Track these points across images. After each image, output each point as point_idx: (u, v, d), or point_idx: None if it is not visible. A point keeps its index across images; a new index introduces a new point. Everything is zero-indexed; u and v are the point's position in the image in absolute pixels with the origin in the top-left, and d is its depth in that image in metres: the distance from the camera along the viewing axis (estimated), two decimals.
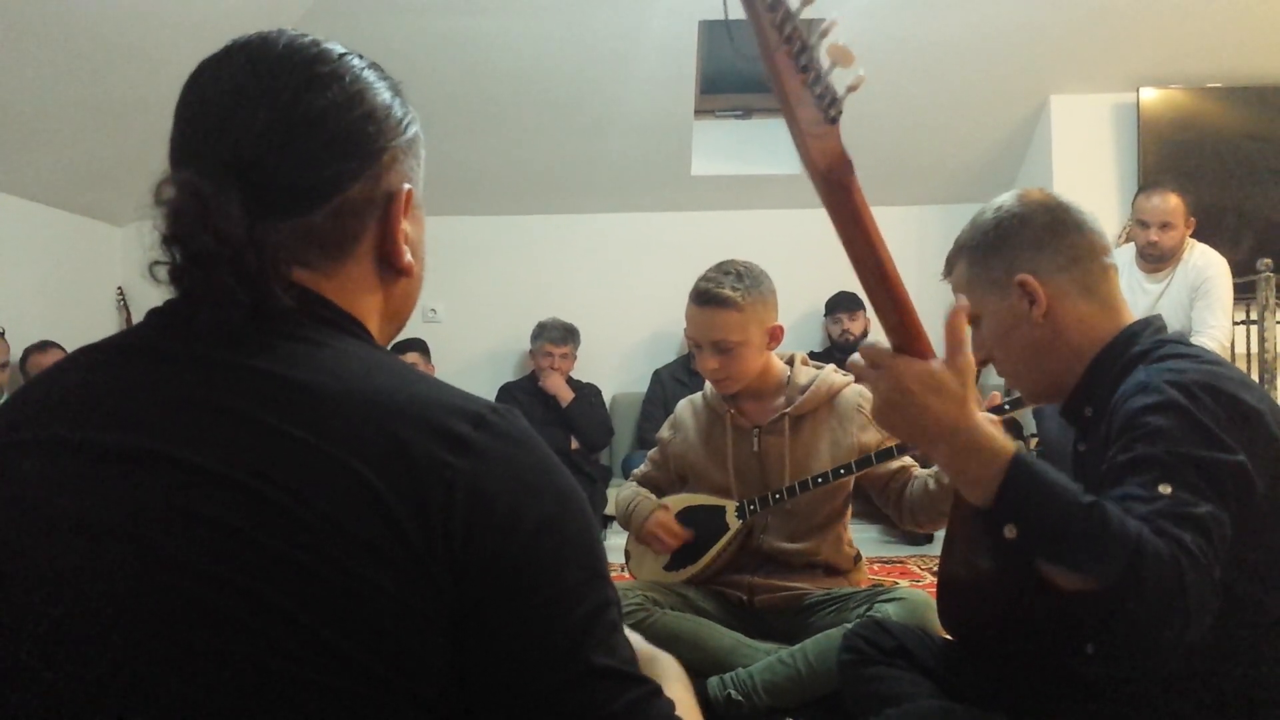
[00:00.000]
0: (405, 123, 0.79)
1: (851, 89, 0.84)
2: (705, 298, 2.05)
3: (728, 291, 2.02)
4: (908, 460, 2.07)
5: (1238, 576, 1.04)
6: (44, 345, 4.14)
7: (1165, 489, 1.01)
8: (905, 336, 0.99)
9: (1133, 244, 3.79)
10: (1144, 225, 3.68)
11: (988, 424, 1.03)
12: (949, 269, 1.39)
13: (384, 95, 0.78)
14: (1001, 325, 1.31)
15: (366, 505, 0.63)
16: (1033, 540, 1.00)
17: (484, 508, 0.65)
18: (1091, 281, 1.28)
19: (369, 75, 0.77)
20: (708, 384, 2.27)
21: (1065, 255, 1.28)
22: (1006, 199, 1.33)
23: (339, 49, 0.77)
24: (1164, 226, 3.64)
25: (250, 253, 0.68)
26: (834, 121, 0.85)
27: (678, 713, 0.71)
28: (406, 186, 0.79)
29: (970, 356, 1.03)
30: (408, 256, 0.80)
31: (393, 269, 0.79)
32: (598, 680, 0.67)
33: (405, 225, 0.79)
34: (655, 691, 0.70)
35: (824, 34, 0.82)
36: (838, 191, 0.89)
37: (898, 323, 0.98)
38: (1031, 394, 1.38)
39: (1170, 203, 3.64)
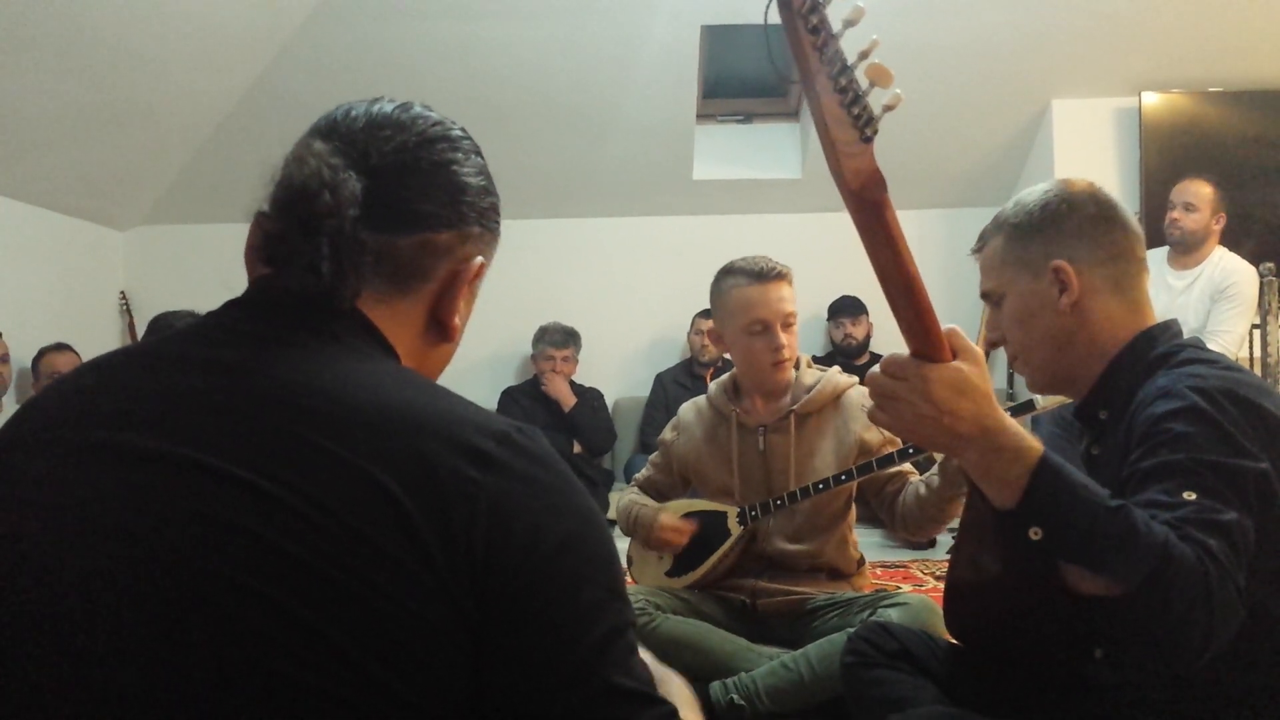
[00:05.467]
0: (495, 221, 0.87)
1: (889, 108, 0.83)
2: (770, 273, 2.08)
3: (781, 267, 2.09)
4: (906, 466, 2.07)
5: (1252, 583, 1.03)
6: (59, 346, 4.16)
7: (1190, 495, 1.00)
8: (930, 353, 0.98)
9: (1164, 247, 3.79)
10: (1170, 206, 3.70)
11: (1015, 422, 1.01)
12: (981, 243, 1.36)
13: (485, 183, 0.85)
14: (1026, 308, 1.29)
15: (389, 518, 0.63)
16: (1058, 542, 0.98)
17: (505, 524, 0.65)
18: (1126, 281, 1.26)
19: (479, 162, 0.85)
20: (712, 386, 2.27)
21: (1106, 250, 1.26)
22: (1054, 184, 1.31)
23: (466, 133, 0.86)
24: (1186, 207, 3.64)
25: (348, 236, 0.72)
26: (869, 141, 0.85)
27: None
28: (480, 260, 0.85)
29: (981, 352, 1.01)
30: (457, 320, 0.84)
31: (439, 326, 0.84)
32: (616, 700, 0.67)
33: (461, 298, 0.85)
34: (672, 713, 0.70)
35: (865, 55, 0.82)
36: (869, 210, 0.88)
37: (923, 341, 0.97)
38: (1039, 382, 1.35)
39: (1198, 186, 3.65)
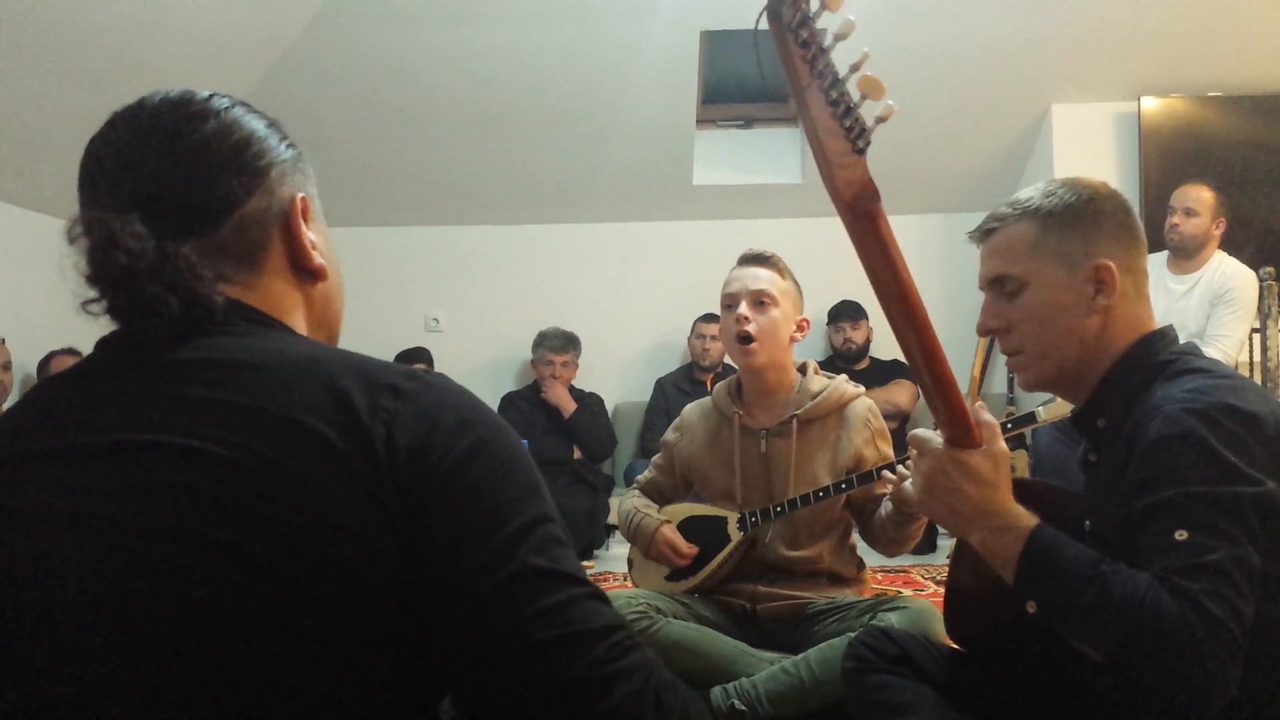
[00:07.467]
0: (284, 144, 0.87)
1: (881, 120, 0.84)
2: (749, 258, 2.19)
3: (766, 252, 2.17)
4: (890, 488, 2.07)
5: (1264, 597, 1.03)
6: (70, 351, 4.22)
7: (1181, 535, 1.00)
8: (937, 386, 1.03)
9: (1163, 252, 3.79)
10: (1170, 211, 3.71)
11: (1016, 505, 1.09)
12: (994, 224, 1.29)
13: (256, 123, 0.85)
14: (1057, 302, 1.23)
15: (321, 454, 0.70)
16: (1049, 615, 1.03)
17: (422, 439, 0.72)
18: (1142, 286, 1.27)
19: (238, 110, 0.84)
20: (715, 389, 2.28)
21: (1133, 254, 1.25)
22: (1072, 180, 1.28)
23: (206, 93, 0.84)
24: (1187, 212, 3.65)
25: (167, 264, 0.74)
26: (861, 152, 0.86)
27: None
28: (301, 195, 0.86)
29: (1005, 449, 1.10)
30: (318, 259, 0.87)
31: (306, 272, 0.86)
32: (531, 578, 0.70)
33: (310, 233, 0.87)
34: (595, 594, 0.73)
35: (856, 68, 0.83)
36: (862, 220, 0.90)
37: (918, 348, 1.01)
38: (1040, 380, 1.29)
39: (1198, 191, 3.67)
